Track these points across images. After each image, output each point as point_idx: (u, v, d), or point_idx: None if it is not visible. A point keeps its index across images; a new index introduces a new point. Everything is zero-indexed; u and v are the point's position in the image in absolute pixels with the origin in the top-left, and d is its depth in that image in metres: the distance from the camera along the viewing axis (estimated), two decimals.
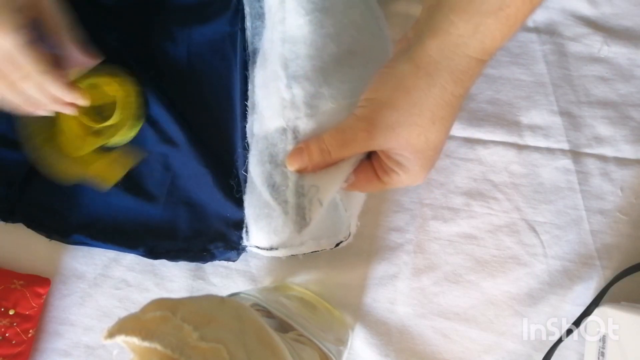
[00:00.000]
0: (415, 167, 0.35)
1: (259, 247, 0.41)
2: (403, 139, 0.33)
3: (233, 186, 0.47)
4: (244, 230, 0.43)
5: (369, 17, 0.42)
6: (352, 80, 0.40)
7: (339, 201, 0.40)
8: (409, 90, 0.32)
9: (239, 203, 0.46)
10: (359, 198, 0.44)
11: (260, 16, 0.46)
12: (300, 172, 0.37)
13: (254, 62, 0.46)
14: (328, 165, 0.36)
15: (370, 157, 0.38)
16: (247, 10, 0.47)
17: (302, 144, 0.37)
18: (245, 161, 0.45)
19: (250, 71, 0.47)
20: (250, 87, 0.46)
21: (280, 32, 0.41)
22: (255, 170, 0.41)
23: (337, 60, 0.40)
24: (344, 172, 0.37)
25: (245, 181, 0.45)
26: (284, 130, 0.39)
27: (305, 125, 0.38)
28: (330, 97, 0.39)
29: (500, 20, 0.30)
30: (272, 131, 0.40)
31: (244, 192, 0.45)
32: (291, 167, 0.37)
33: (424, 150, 0.34)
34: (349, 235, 0.42)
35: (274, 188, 0.39)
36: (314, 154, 0.36)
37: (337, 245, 0.43)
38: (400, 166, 0.35)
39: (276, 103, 0.40)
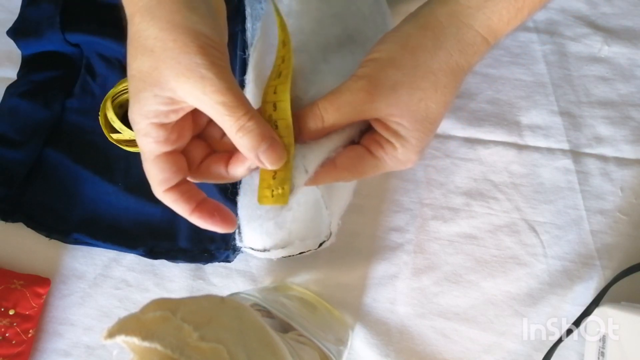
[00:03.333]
0: (413, 139, 0.32)
1: (253, 249, 0.41)
2: (404, 104, 0.31)
3: (229, 187, 0.47)
4: (237, 231, 0.43)
5: (376, 10, 0.42)
6: (352, 64, 0.38)
7: (320, 197, 0.40)
8: (415, 49, 0.31)
9: (236, 204, 0.46)
10: (341, 196, 0.43)
11: (260, 17, 0.46)
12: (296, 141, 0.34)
13: None
14: (321, 134, 0.33)
15: (361, 139, 0.35)
16: (248, 11, 0.47)
17: (295, 113, 0.34)
18: None
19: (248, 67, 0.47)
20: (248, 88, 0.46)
21: (286, 5, 0.40)
22: None
23: (340, 43, 0.39)
24: (333, 141, 0.34)
25: (240, 182, 0.45)
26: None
27: (300, 99, 0.36)
28: (328, 72, 0.37)
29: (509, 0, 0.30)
30: (264, 104, 0.37)
31: (238, 194, 0.45)
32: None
33: (423, 120, 0.32)
34: (330, 234, 0.42)
35: None
36: (306, 122, 0.33)
37: (320, 245, 0.42)
38: (397, 137, 0.32)
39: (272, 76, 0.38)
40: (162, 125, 0.30)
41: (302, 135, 0.33)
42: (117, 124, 0.47)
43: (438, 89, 0.31)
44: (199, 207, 0.32)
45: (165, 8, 0.29)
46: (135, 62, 0.30)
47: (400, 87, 0.31)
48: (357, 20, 0.40)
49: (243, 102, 0.29)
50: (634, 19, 0.50)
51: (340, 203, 0.43)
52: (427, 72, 0.31)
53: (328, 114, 0.32)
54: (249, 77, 0.42)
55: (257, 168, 0.33)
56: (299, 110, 0.33)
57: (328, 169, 0.34)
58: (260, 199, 0.32)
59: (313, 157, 0.33)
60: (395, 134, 0.33)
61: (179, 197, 0.32)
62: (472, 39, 0.31)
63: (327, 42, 0.38)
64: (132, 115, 0.31)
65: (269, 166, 0.31)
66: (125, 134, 0.47)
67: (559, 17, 0.51)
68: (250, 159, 0.31)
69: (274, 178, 0.32)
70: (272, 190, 0.32)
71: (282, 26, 0.34)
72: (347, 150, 0.34)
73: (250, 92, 0.41)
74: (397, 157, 0.33)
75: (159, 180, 0.32)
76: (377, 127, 0.33)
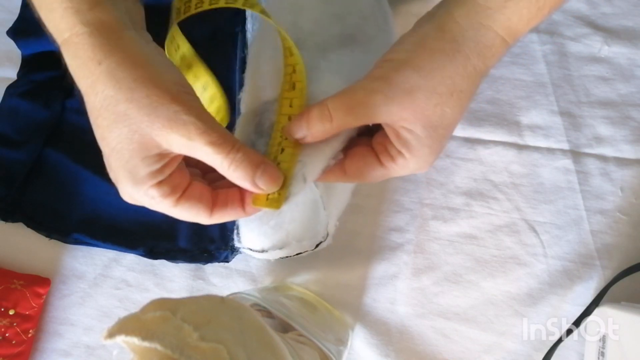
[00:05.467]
0: (425, 148, 0.31)
1: (251, 249, 0.41)
2: (419, 108, 0.30)
3: None
4: (235, 232, 0.43)
5: (377, 9, 0.42)
6: (351, 62, 0.38)
7: (318, 198, 0.40)
8: (433, 52, 0.30)
9: None
10: (340, 197, 0.43)
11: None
12: (300, 142, 0.33)
13: None
14: (329, 135, 0.32)
15: (373, 142, 0.34)
16: (248, 12, 0.47)
17: (304, 110, 0.32)
18: None
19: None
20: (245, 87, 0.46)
21: (287, 2, 0.39)
22: None
23: (339, 41, 0.39)
24: (332, 147, 0.33)
25: None
26: (274, 100, 0.36)
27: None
28: (327, 70, 0.36)
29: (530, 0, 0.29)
30: (262, 102, 0.37)
31: None
32: (290, 137, 0.33)
33: (437, 126, 0.31)
34: (327, 235, 0.42)
35: None
36: (312, 120, 0.31)
37: (317, 246, 0.42)
38: (408, 147, 0.31)
39: (270, 72, 0.38)
40: (162, 182, 0.30)
41: (310, 135, 0.32)
42: None
43: (454, 93, 0.30)
44: (246, 202, 0.32)
45: (128, 67, 0.28)
46: (112, 134, 0.29)
47: (417, 90, 0.30)
48: (358, 19, 0.40)
49: (228, 137, 0.29)
50: (634, 19, 0.50)
51: (338, 204, 0.43)
52: (444, 77, 0.30)
53: (338, 114, 0.31)
54: (247, 74, 0.42)
55: None
56: (306, 108, 0.32)
57: (337, 174, 0.34)
58: (254, 201, 0.32)
59: (312, 166, 0.33)
60: (407, 144, 0.31)
61: (224, 210, 0.32)
62: (491, 41, 0.30)
63: (325, 42, 0.38)
64: (128, 191, 0.30)
65: (268, 190, 0.31)
66: None
67: (559, 17, 0.51)
68: (247, 188, 0.31)
69: None
70: (268, 194, 0.32)
71: (284, 36, 0.34)
72: (357, 159, 0.34)
73: (246, 91, 0.41)
74: (409, 167, 0.32)
75: (197, 215, 0.31)
76: (390, 135, 0.32)
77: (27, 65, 0.52)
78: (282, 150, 0.33)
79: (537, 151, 0.48)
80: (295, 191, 0.33)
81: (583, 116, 0.49)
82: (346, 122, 0.31)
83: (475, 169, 0.49)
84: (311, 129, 0.31)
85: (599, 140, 0.48)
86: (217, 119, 0.39)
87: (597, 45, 0.50)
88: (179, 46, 0.36)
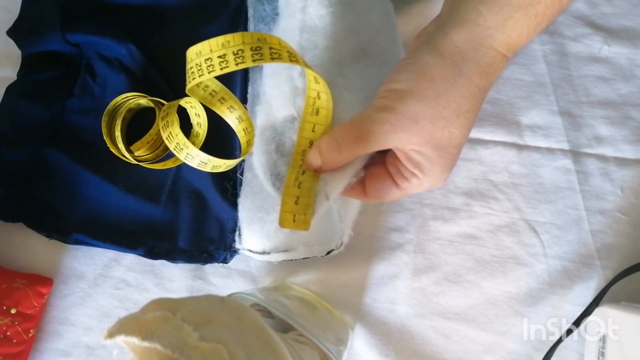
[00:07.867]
0: (437, 167, 0.33)
1: (251, 251, 0.41)
2: (427, 133, 0.31)
3: (229, 189, 0.47)
4: (237, 233, 0.43)
5: (387, 22, 0.42)
6: (368, 77, 0.39)
7: (335, 211, 0.40)
8: (435, 79, 0.31)
9: (236, 206, 0.46)
10: (354, 209, 0.43)
11: (263, 19, 0.46)
12: (318, 171, 0.34)
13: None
14: (342, 163, 0.33)
15: (386, 163, 0.35)
16: (250, 12, 0.47)
17: (316, 142, 0.34)
18: (241, 164, 0.45)
19: (250, 74, 0.47)
20: (250, 89, 0.46)
21: (299, 20, 0.40)
22: (260, 160, 0.39)
23: (355, 56, 0.39)
24: (353, 166, 0.35)
25: (241, 184, 0.45)
26: (293, 119, 0.37)
27: None
28: (345, 88, 0.37)
29: (529, 16, 0.30)
30: (281, 120, 0.38)
31: (239, 195, 0.45)
32: (308, 168, 0.34)
33: (446, 146, 0.32)
34: (341, 244, 0.42)
35: (277, 177, 0.37)
36: (323, 151, 0.33)
37: (328, 253, 0.42)
38: (421, 168, 0.33)
39: (287, 91, 0.38)
40: None
41: (323, 166, 0.33)
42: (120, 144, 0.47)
43: (460, 115, 0.31)
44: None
45: None
46: None
47: (423, 118, 0.31)
48: (370, 33, 0.40)
49: None
50: (634, 19, 0.50)
51: (352, 216, 0.43)
52: (448, 101, 0.31)
53: (347, 145, 0.32)
54: (264, 89, 0.42)
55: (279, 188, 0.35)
56: (318, 140, 0.33)
57: (358, 192, 0.35)
58: (282, 222, 0.32)
59: (335, 184, 0.34)
60: (419, 165, 0.32)
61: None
62: (492, 59, 0.31)
63: (342, 57, 0.38)
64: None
65: None
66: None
67: (559, 17, 0.51)
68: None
69: (296, 203, 0.32)
70: (294, 215, 0.32)
71: (307, 65, 0.34)
72: (375, 180, 0.35)
73: (263, 108, 0.41)
74: (423, 185, 0.34)
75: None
76: (401, 158, 0.33)
77: (27, 65, 0.52)
78: (304, 172, 0.34)
79: (537, 151, 0.48)
80: (318, 209, 0.33)
81: (583, 116, 0.49)
82: (356, 151, 0.32)
83: (475, 169, 0.49)
84: (324, 160, 0.33)
85: (599, 140, 0.48)
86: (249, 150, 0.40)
87: (597, 45, 0.50)
88: (207, 85, 0.37)
